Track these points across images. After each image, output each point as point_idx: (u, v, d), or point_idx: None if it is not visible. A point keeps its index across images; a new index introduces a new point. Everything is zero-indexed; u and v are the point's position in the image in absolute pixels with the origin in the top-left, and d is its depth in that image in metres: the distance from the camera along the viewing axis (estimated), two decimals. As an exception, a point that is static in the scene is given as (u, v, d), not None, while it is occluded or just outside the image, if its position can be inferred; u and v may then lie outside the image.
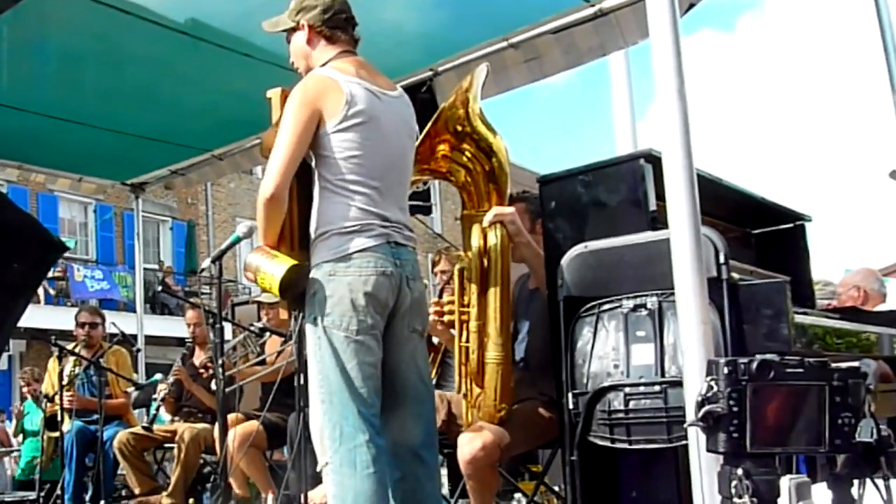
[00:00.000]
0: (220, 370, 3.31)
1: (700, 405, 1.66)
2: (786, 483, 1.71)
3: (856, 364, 1.75)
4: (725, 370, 1.68)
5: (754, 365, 1.66)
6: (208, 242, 20.29)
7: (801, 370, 1.68)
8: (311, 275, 2.70)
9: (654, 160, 2.77)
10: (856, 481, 1.83)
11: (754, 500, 1.61)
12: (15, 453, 8.04)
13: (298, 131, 2.64)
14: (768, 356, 1.68)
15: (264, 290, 2.77)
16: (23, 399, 8.00)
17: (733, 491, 1.64)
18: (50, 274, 14.71)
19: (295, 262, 2.66)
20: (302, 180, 2.75)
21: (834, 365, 1.71)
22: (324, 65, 2.82)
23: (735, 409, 1.65)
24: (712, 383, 1.68)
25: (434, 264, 4.38)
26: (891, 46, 3.89)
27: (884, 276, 5.88)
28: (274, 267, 2.64)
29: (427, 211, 5.62)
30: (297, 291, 2.71)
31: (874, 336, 3.24)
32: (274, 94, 2.86)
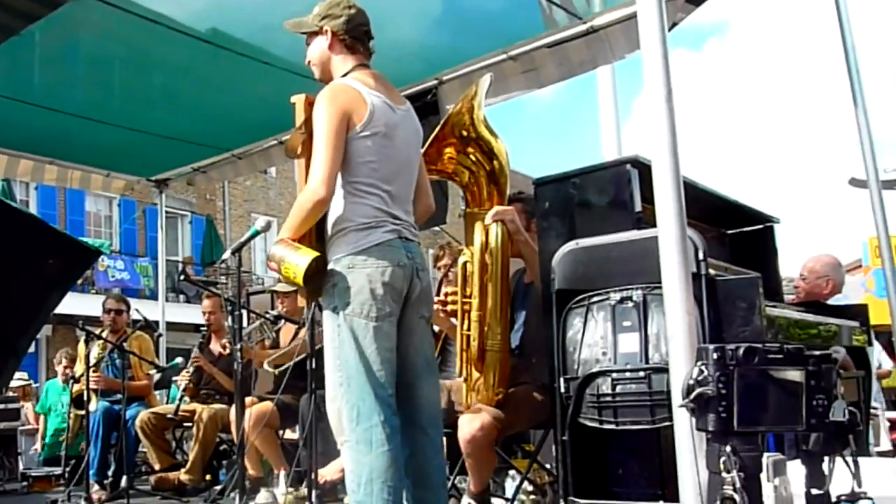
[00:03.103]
0: (239, 355, 3.33)
1: (691, 388, 1.70)
2: (763, 460, 1.75)
3: (828, 350, 1.79)
4: (715, 356, 1.72)
5: (741, 351, 1.71)
6: (225, 236, 20.26)
7: (780, 356, 1.72)
8: (329, 267, 2.73)
9: (640, 165, 2.82)
10: (826, 457, 1.87)
11: (741, 474, 1.65)
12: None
13: (336, 137, 2.66)
14: (753, 344, 1.72)
15: (287, 280, 2.78)
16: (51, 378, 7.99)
17: (722, 466, 1.68)
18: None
19: (317, 253, 2.69)
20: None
21: (808, 352, 1.75)
22: (345, 75, 2.85)
23: (723, 391, 1.70)
24: (703, 367, 1.72)
25: (437, 259, 4.40)
26: (854, 69, 3.97)
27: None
28: (298, 258, 2.66)
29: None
30: (318, 281, 2.74)
31: (835, 327, 3.29)
32: (298, 99, 2.87)
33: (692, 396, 1.70)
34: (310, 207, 2.66)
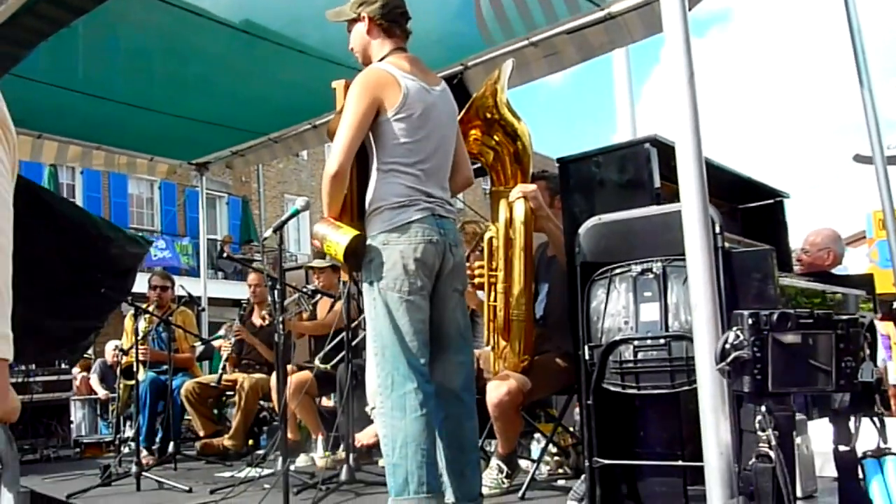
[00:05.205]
0: (281, 327, 3.35)
1: (727, 352, 1.70)
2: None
3: (855, 315, 1.77)
4: (750, 321, 1.71)
5: (775, 317, 1.70)
6: (260, 216, 20.37)
7: (811, 321, 1.72)
8: (367, 243, 2.74)
9: (659, 144, 2.79)
10: (853, 416, 1.86)
11: (776, 432, 1.65)
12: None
13: (359, 117, 2.67)
14: (786, 310, 1.70)
15: (330, 257, 2.81)
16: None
17: (757, 426, 1.68)
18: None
19: (357, 232, 2.70)
20: (361, 162, 2.78)
21: (837, 316, 1.74)
22: (381, 59, 2.84)
23: (758, 354, 1.69)
24: (738, 332, 1.71)
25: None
26: (859, 49, 3.90)
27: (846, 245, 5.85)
28: (339, 236, 2.68)
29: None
30: (359, 258, 2.75)
31: (840, 296, 3.26)
32: (338, 84, 2.88)
33: (728, 360, 1.69)
34: (328, 183, 2.70)
